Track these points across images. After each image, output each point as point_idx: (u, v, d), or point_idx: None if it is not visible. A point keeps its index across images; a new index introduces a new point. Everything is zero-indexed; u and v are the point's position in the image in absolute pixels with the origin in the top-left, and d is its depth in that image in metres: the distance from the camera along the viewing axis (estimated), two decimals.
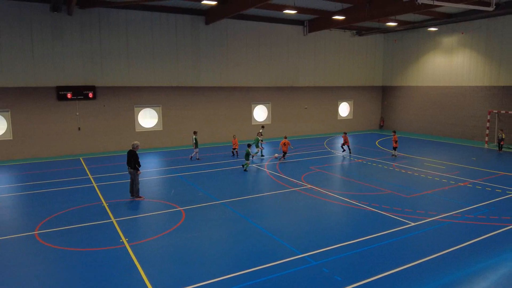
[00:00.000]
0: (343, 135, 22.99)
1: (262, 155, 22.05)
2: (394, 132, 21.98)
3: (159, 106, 25.28)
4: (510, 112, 25.05)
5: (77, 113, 22.71)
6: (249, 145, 19.12)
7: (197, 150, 20.86)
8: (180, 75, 25.60)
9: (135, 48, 23.93)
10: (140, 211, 12.51)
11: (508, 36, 25.62)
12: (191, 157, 21.07)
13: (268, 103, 29.77)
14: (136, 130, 24.64)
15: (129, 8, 23.28)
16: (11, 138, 21.33)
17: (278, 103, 30.07)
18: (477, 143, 26.57)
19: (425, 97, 31.60)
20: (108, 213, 12.22)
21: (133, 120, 24.49)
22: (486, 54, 27.08)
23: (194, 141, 20.79)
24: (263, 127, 25.14)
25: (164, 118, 25.44)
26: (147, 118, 25.30)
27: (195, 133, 21.08)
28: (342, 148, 22.97)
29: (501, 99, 26.37)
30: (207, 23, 25.68)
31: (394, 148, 21.56)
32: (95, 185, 15.75)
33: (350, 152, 22.64)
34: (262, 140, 22.44)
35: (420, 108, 32.07)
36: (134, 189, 13.72)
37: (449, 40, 29.46)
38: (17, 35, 20.74)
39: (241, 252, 9.38)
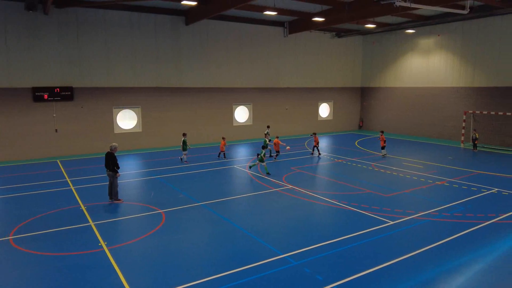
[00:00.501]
0: (313, 135, 22.77)
1: (271, 155, 21.71)
2: (382, 132, 22.52)
3: (138, 107, 24.96)
4: (484, 112, 25.76)
5: (54, 115, 22.21)
6: (263, 147, 18.55)
7: (185, 152, 20.34)
8: (161, 76, 25.36)
9: (114, 48, 23.58)
10: (119, 214, 12.31)
11: (482, 38, 26.35)
12: (181, 158, 20.70)
13: (250, 104, 29.78)
14: (115, 132, 24.27)
15: (108, 8, 22.93)
16: None
17: (259, 104, 30.12)
18: (453, 143, 27.21)
19: (403, 98, 32.18)
20: (86, 216, 11.99)
21: (111, 121, 24.11)
22: (462, 56, 27.79)
23: (182, 143, 20.26)
24: (268, 127, 24.91)
25: (143, 119, 25.13)
26: (126, 120, 24.95)
27: (184, 135, 20.57)
28: (313, 150, 22.74)
29: (476, 100, 27.10)
30: (187, 23, 25.52)
31: (383, 148, 21.98)
32: (72, 188, 15.43)
33: (319, 154, 22.34)
34: (269, 141, 22.18)
35: (399, 109, 32.64)
36: (112, 192, 13.51)
37: (426, 42, 30.10)
38: None
39: (222, 253, 9.34)
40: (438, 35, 28.87)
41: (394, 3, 15.52)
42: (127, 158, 21.84)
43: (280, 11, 24.75)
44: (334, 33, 33.02)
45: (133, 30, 24.02)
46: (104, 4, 22.00)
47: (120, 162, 20.81)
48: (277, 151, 21.23)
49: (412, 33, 30.70)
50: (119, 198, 13.64)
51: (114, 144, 13.63)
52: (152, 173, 18.11)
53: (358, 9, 22.92)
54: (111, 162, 13.17)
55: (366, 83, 35.70)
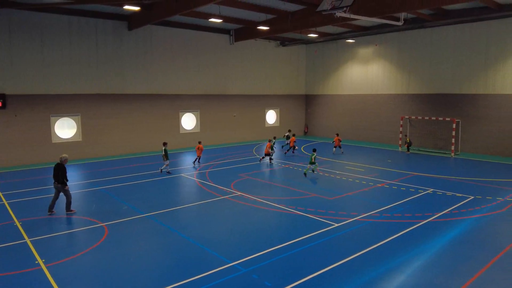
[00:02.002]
0: (291, 135, 26.05)
1: (285, 153, 25.25)
2: (337, 134, 26.56)
3: (78, 115, 23.76)
4: (419, 117, 27.48)
5: None
6: (314, 150, 19.55)
7: (167, 162, 19.24)
8: (102, 82, 24.35)
9: (51, 53, 22.31)
10: (58, 229, 11.57)
11: (416, 48, 28.16)
12: (161, 170, 19.55)
13: (197, 111, 29.47)
14: (53, 141, 22.90)
15: (44, 11, 21.69)
16: None
17: (207, 111, 29.91)
18: (392, 147, 28.71)
19: (345, 105, 33.50)
20: (21, 232, 11.14)
21: (49, 130, 22.73)
22: (398, 65, 29.50)
23: (163, 153, 19.05)
24: (290, 131, 28.76)
25: (84, 127, 23.96)
26: (65, 129, 23.65)
27: (164, 144, 19.38)
28: (293, 150, 25.40)
29: (411, 105, 28.84)
30: (130, 28, 24.81)
31: (340, 147, 25.94)
32: (5, 202, 14.29)
33: (270, 161, 22.15)
34: (285, 138, 27.77)
35: (341, 115, 33.92)
36: (66, 204, 12.95)
37: (365, 51, 31.61)
38: None
39: (169, 265, 9.08)
40: (376, 45, 30.45)
41: (335, 13, 16.09)
42: (67, 169, 20.60)
43: (226, 18, 24.82)
44: (278, 41, 33.70)
45: (72, 35, 22.89)
46: (41, 6, 20.75)
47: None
48: (293, 147, 24.93)
49: (352, 42, 32.12)
50: (71, 209, 13.04)
51: (64, 155, 13.14)
52: (94, 184, 17.27)
53: (301, 19, 23.59)
54: (60, 174, 12.63)
55: (310, 90, 36.75)
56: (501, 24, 23.62)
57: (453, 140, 25.03)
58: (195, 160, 22.02)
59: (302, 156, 24.44)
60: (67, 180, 12.83)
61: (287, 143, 27.05)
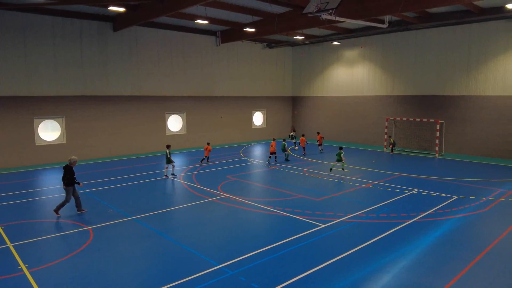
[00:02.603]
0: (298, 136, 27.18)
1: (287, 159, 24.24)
2: (318, 133, 28.02)
3: (62, 117, 23.41)
4: (404, 119, 27.85)
5: None
6: (340, 148, 20.39)
7: (170, 164, 18.59)
8: (86, 83, 24.04)
9: (35, 54, 21.95)
10: (41, 233, 11.37)
11: (400, 50, 28.55)
12: (166, 175, 18.85)
13: (183, 113, 29.34)
14: (36, 144, 22.51)
15: (27, 11, 21.33)
16: None
17: (194, 112, 29.79)
18: (377, 148, 29.02)
19: (331, 107, 33.75)
20: (3, 237, 10.92)
21: (32, 133, 22.34)
22: (383, 67, 29.85)
23: (168, 155, 18.42)
24: (294, 130, 30.45)
25: (68, 130, 23.61)
26: (49, 131, 23.27)
27: (168, 147, 18.95)
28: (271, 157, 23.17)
29: (396, 107, 29.21)
30: (115, 29, 24.57)
31: (320, 145, 27.04)
32: None
33: (275, 160, 23.01)
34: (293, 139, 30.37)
35: (327, 117, 34.15)
36: (59, 204, 13.05)
37: (350, 54, 31.91)
38: None
39: (155, 269, 9.01)
40: (361, 47, 30.78)
41: (321, 16, 16.24)
42: (51, 172, 20.32)
43: (212, 20, 24.78)
44: (265, 43, 33.78)
45: (56, 36, 22.55)
46: (24, 6, 20.39)
47: (44, 176, 19.37)
48: (272, 152, 23.34)
49: (338, 45, 32.39)
50: (58, 212, 13.01)
51: (73, 157, 13.32)
52: (78, 187, 17.02)
53: (287, 21, 23.70)
54: (68, 176, 12.75)
55: (296, 92, 36.91)
56: (483, 28, 24.13)
57: (437, 141, 25.43)
58: (203, 159, 22.91)
59: (294, 157, 24.52)
60: (77, 183, 13.06)
61: (295, 143, 28.87)
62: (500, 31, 23.55)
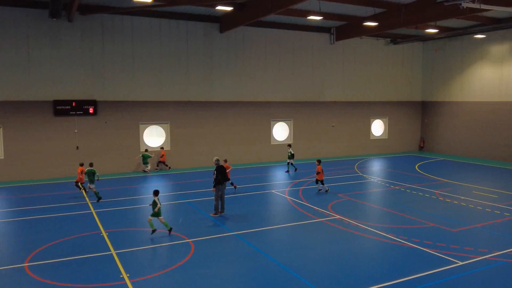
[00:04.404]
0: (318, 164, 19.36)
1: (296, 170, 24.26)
2: (319, 161, 19.44)
3: (167, 123, 25.64)
4: None
5: (76, 131, 23.21)
6: None
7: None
8: (191, 89, 25.99)
9: (141, 58, 24.52)
10: (143, 242, 12.51)
11: None
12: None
13: (290, 120, 29.85)
14: (141, 150, 24.99)
15: (135, 15, 23.98)
16: (3, 157, 21.88)
17: (301, 120, 30.13)
18: None
19: (472, 115, 31.23)
20: (107, 244, 12.28)
21: (138, 138, 24.88)
22: None
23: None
24: (290, 146, 25.30)
25: (172, 136, 25.77)
26: (154, 136, 25.74)
27: (289, 145, 22.31)
28: (320, 183, 19.10)
29: None
30: (221, 31, 26.19)
31: (318, 181, 19.05)
32: (93, 211, 15.90)
33: (322, 189, 19.21)
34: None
35: (467, 127, 31.65)
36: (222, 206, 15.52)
37: (498, 49, 29.25)
38: (11, 43, 21.52)
39: None
40: (435, 50, 27.89)
41: (460, 4, 15.24)
42: (157, 178, 22.34)
43: (326, 15, 24.88)
44: (389, 39, 32.75)
45: (162, 39, 24.90)
46: (131, 10, 22.96)
47: (148, 184, 21.29)
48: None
49: (482, 38, 29.96)
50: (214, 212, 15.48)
51: (216, 157, 15.94)
52: (181, 196, 18.39)
53: (416, 12, 22.66)
54: (220, 176, 15.15)
55: (427, 96, 34.97)
56: None
57: None
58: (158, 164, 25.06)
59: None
60: (228, 180, 16.07)
61: (291, 164, 24.24)
62: None
